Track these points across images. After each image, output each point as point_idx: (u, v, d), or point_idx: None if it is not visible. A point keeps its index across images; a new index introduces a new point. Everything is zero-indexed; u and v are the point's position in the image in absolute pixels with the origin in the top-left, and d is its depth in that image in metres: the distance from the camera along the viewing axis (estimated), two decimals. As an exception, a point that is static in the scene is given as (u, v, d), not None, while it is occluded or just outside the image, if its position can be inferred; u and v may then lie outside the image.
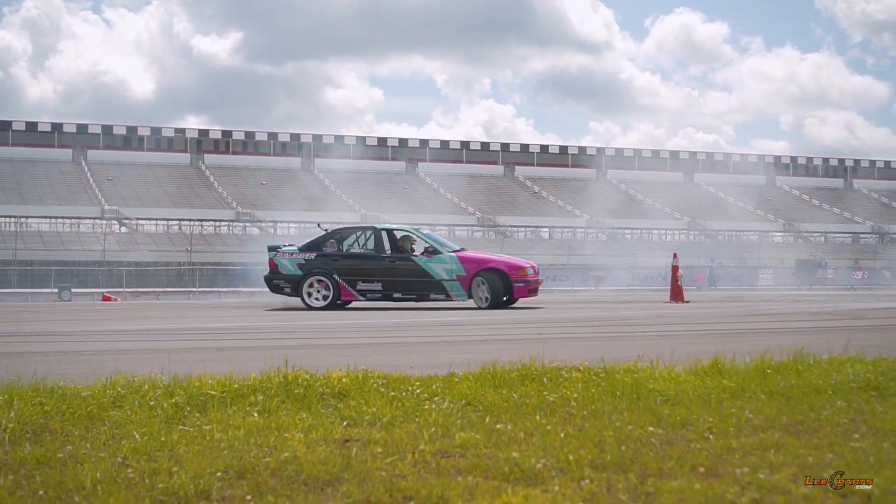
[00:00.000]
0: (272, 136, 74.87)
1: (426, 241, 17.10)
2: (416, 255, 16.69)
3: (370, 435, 3.72)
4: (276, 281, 17.15)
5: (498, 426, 3.90)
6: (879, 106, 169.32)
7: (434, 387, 4.63)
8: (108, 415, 4.13)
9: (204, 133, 73.91)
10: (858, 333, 8.89)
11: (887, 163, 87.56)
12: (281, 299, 18.21)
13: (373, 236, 17.16)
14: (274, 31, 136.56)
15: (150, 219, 59.58)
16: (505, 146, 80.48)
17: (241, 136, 74.25)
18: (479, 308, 15.94)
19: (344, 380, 4.62)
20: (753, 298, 23.99)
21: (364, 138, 76.99)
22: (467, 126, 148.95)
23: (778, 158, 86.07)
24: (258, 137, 74.46)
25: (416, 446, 3.53)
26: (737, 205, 73.71)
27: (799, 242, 67.22)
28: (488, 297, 16.03)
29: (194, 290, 39.34)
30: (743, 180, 80.00)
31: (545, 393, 4.53)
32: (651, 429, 3.87)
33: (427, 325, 11.71)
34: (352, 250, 17.19)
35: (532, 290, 16.70)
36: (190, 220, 59.19)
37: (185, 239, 50.96)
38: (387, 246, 16.91)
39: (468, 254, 17.04)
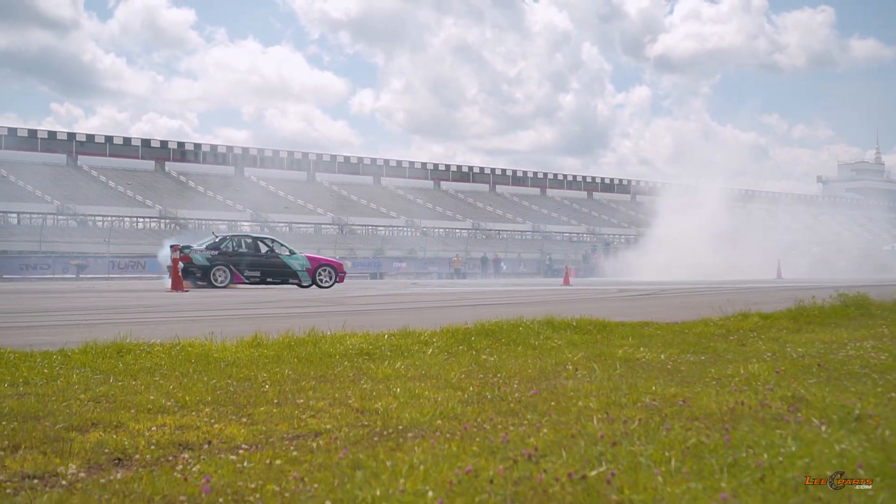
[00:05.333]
0: None
1: None
2: None
3: (38, 390, 5.15)
4: None
5: (121, 383, 5.49)
6: (338, 101, 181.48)
7: (54, 359, 6.08)
8: None
9: None
10: (349, 317, 11.31)
11: (347, 158, 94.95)
12: None
13: None
14: None
15: None
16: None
17: None
18: None
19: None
20: (242, 287, 26.00)
21: None
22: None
23: (246, 150, 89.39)
24: None
25: (77, 396, 5.03)
26: (206, 195, 76.18)
27: (265, 231, 71.08)
28: None
29: None
30: (213, 170, 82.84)
31: (142, 361, 6.17)
32: (227, 381, 5.66)
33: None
34: None
35: None
36: None
37: None
38: None
39: None
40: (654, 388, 5.45)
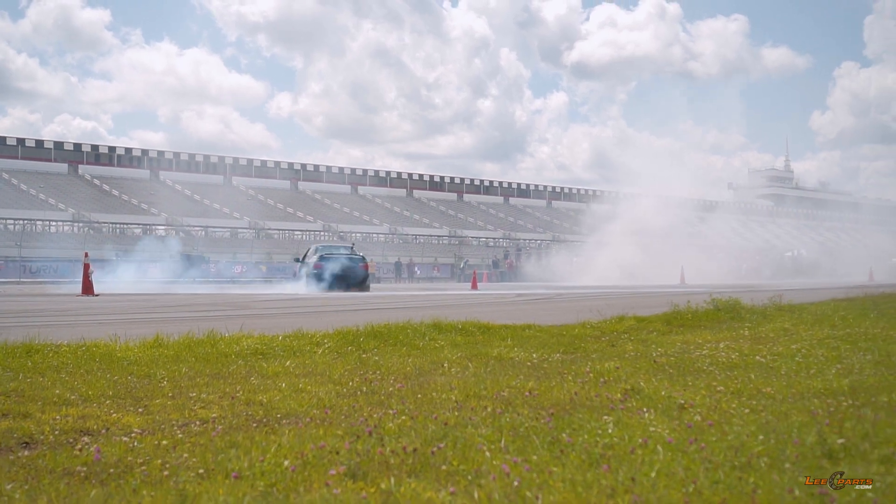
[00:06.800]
0: None
1: None
2: None
3: None
4: None
5: (30, 379, 6.04)
6: (255, 104, 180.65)
7: None
8: None
9: None
10: (251, 320, 11.88)
11: (264, 162, 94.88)
12: None
13: None
14: None
15: None
16: None
17: None
18: None
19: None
20: (152, 292, 26.34)
21: None
22: None
23: (162, 153, 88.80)
24: None
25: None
26: (121, 199, 75.62)
27: (181, 235, 70.81)
28: None
29: None
30: (128, 174, 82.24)
31: (50, 360, 6.73)
32: (129, 378, 6.24)
33: None
34: None
35: None
36: None
37: None
38: None
39: None
40: (514, 382, 6.13)
